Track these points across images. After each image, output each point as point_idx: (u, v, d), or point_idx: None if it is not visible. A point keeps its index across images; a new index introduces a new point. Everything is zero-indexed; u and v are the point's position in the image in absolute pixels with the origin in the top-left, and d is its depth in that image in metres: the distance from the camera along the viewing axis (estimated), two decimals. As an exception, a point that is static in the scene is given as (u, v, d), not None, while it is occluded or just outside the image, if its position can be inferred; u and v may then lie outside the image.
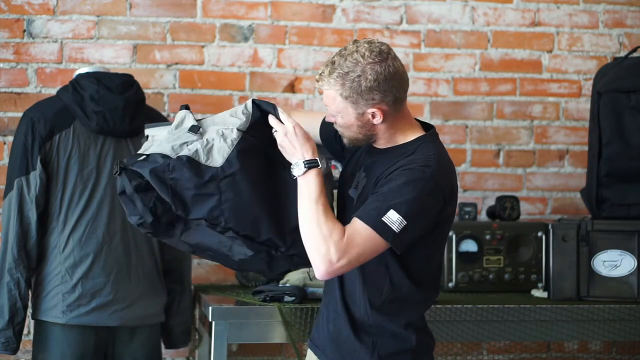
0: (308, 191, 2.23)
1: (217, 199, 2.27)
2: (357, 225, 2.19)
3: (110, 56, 3.58)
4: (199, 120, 2.40)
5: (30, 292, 2.97)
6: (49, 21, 3.54)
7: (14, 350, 2.91)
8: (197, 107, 3.62)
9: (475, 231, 3.29)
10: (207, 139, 2.31)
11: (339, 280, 2.35)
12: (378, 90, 2.22)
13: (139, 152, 2.33)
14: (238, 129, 2.31)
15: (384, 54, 2.23)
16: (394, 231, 2.17)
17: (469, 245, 3.29)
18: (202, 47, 3.64)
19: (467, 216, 3.43)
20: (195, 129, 2.33)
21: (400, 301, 2.30)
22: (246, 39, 3.67)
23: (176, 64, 3.62)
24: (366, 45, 2.24)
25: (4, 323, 2.88)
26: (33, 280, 2.97)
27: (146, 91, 3.25)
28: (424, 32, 3.78)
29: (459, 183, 3.78)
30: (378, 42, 2.25)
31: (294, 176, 2.25)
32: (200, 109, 3.63)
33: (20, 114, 3.05)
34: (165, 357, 3.52)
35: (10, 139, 3.37)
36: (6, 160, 3.37)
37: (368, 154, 2.38)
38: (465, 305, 2.95)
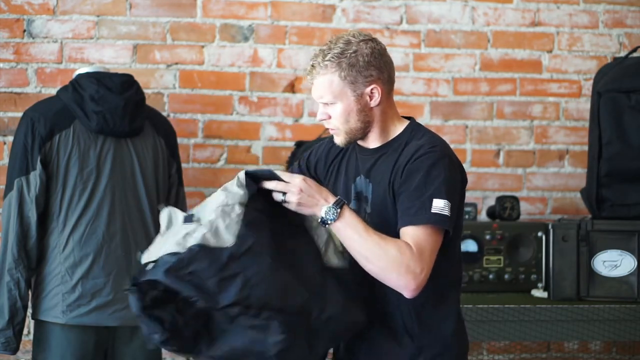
0: (353, 228, 2.15)
1: (242, 278, 2.11)
2: (415, 232, 2.15)
3: (110, 56, 3.58)
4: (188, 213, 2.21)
5: (30, 292, 2.97)
6: (49, 21, 3.54)
7: (14, 350, 2.91)
8: (197, 107, 3.63)
9: (475, 231, 3.30)
10: (209, 221, 2.13)
11: (370, 291, 2.28)
12: (375, 66, 2.23)
13: (143, 262, 2.16)
14: (240, 204, 2.15)
15: (371, 36, 2.27)
16: (448, 216, 2.16)
17: (469, 245, 3.29)
18: (202, 47, 3.64)
19: (467, 216, 3.43)
20: (190, 218, 2.15)
21: (441, 293, 2.26)
22: (246, 39, 3.67)
23: (176, 64, 3.62)
24: (351, 30, 2.27)
25: (4, 323, 2.88)
26: (33, 280, 2.97)
27: (146, 91, 3.25)
28: (424, 32, 3.78)
29: (459, 183, 3.79)
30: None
31: (327, 224, 2.16)
32: (200, 109, 3.63)
33: (20, 114, 3.05)
34: (165, 357, 3.52)
35: (10, 139, 3.37)
36: (6, 160, 3.37)
37: (360, 160, 2.33)
38: (465, 305, 2.95)
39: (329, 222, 2.15)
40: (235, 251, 2.11)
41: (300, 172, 2.43)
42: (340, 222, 2.15)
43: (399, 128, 2.30)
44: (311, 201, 2.16)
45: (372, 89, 2.24)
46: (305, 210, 2.17)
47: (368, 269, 2.15)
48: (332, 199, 2.15)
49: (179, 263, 2.07)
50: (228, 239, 2.12)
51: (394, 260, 2.11)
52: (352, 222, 2.15)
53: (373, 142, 2.31)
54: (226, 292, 2.10)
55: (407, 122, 2.32)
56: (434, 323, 2.27)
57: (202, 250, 2.08)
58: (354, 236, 2.14)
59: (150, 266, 2.11)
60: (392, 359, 2.27)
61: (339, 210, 2.14)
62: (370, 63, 2.22)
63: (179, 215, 2.18)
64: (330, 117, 2.27)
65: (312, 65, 2.24)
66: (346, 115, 2.25)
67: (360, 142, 2.32)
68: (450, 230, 2.19)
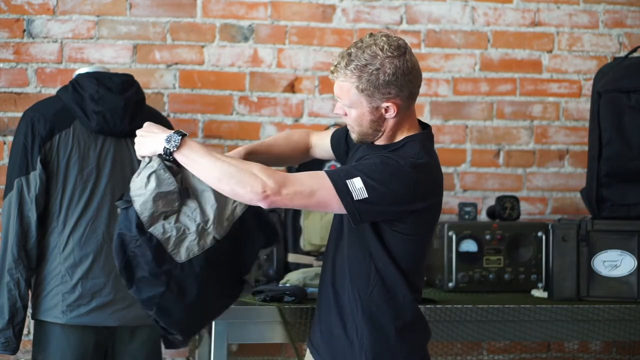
0: (197, 152, 2.20)
1: (161, 292, 2.28)
2: (319, 173, 2.20)
3: (110, 56, 3.58)
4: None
5: (30, 292, 2.96)
6: (49, 21, 3.54)
7: (14, 350, 2.91)
8: (197, 107, 3.63)
9: (475, 231, 3.29)
10: (184, 228, 2.28)
11: (332, 275, 2.35)
12: (395, 85, 2.22)
13: (132, 180, 2.29)
14: (215, 237, 2.30)
15: (402, 49, 2.23)
16: (352, 196, 2.16)
17: (469, 245, 3.29)
18: (202, 47, 3.64)
19: (467, 216, 3.43)
20: (186, 194, 2.29)
21: (387, 290, 2.29)
22: (246, 39, 3.67)
23: (176, 64, 3.62)
24: (384, 38, 2.23)
25: (4, 323, 2.88)
26: (33, 280, 2.97)
27: (146, 91, 3.25)
28: (424, 32, 3.78)
29: (458, 183, 3.79)
30: (395, 37, 2.26)
31: (171, 154, 2.20)
32: (200, 109, 3.63)
33: (20, 114, 3.05)
34: (165, 357, 3.52)
35: (10, 139, 3.37)
36: (6, 160, 3.37)
37: (361, 151, 2.38)
38: (465, 305, 2.95)
39: (173, 148, 2.19)
40: (175, 269, 2.27)
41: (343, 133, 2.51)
42: (185, 149, 2.19)
43: (403, 135, 2.32)
44: (151, 136, 2.22)
45: (388, 106, 2.25)
46: (146, 150, 2.23)
47: (222, 189, 2.20)
48: (171, 132, 2.21)
49: (132, 239, 2.24)
50: (182, 255, 2.27)
51: (244, 173, 2.16)
52: (197, 147, 2.21)
53: (380, 140, 2.34)
54: (141, 288, 2.28)
55: (414, 132, 2.32)
56: (380, 320, 2.29)
57: (156, 247, 2.23)
58: (201, 160, 2.19)
59: (126, 205, 2.27)
60: (340, 347, 2.32)
61: (179, 137, 2.19)
62: (390, 82, 2.21)
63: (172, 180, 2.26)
64: (346, 115, 2.31)
65: (335, 67, 2.25)
66: (359, 120, 2.29)
67: None
68: (351, 218, 2.19)
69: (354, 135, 2.33)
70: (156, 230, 2.25)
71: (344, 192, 2.16)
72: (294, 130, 2.64)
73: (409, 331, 2.32)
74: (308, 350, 2.45)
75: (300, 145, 2.60)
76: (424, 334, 2.39)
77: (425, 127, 2.37)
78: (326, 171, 2.21)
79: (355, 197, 2.16)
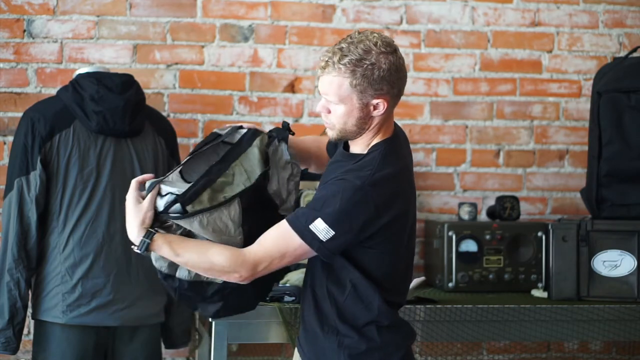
0: (170, 247, 2.24)
1: (221, 305, 2.36)
2: (283, 231, 2.22)
3: (110, 56, 3.58)
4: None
5: (30, 292, 2.97)
6: (49, 21, 3.54)
7: (14, 350, 2.91)
8: (197, 107, 3.63)
9: (475, 231, 3.30)
10: None
11: (311, 279, 2.35)
12: (388, 81, 2.21)
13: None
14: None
15: (393, 46, 2.24)
16: (321, 240, 2.18)
17: (469, 245, 3.29)
18: (202, 47, 3.64)
19: (467, 216, 3.43)
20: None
21: (362, 300, 2.28)
22: (246, 39, 3.67)
23: (176, 64, 3.62)
24: (375, 35, 2.23)
25: (4, 323, 2.88)
26: (33, 280, 2.97)
27: (146, 91, 3.25)
28: (424, 32, 3.78)
29: (458, 183, 3.79)
30: (383, 34, 2.26)
31: (146, 248, 2.24)
32: (200, 109, 3.63)
33: (20, 114, 3.05)
34: (165, 357, 3.52)
35: (10, 139, 3.37)
36: (6, 160, 3.37)
37: (335, 156, 2.38)
38: (465, 305, 2.95)
39: (143, 250, 2.25)
40: (222, 287, 2.31)
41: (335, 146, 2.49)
42: (157, 248, 2.25)
43: (375, 141, 2.29)
44: (128, 222, 2.27)
45: (378, 102, 2.23)
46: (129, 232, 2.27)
47: (203, 273, 2.28)
48: (142, 233, 2.24)
49: (169, 284, 2.33)
50: (217, 279, 2.31)
51: (214, 272, 2.25)
52: (165, 250, 2.25)
53: (353, 146, 2.33)
54: (205, 308, 2.37)
55: (383, 140, 2.30)
56: (357, 324, 2.29)
57: (190, 288, 2.31)
58: (182, 253, 2.24)
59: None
60: (321, 346, 2.32)
61: (148, 243, 2.24)
62: (384, 78, 2.20)
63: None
64: (329, 112, 2.28)
65: (327, 62, 2.22)
66: (346, 118, 2.26)
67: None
68: (324, 257, 2.22)
69: (333, 133, 2.29)
70: (182, 273, 2.31)
71: (311, 240, 2.18)
72: (325, 136, 2.62)
73: (387, 333, 2.31)
74: (296, 349, 2.46)
75: (324, 148, 2.57)
76: (404, 335, 2.37)
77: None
78: (288, 220, 2.22)
79: (324, 239, 2.18)
